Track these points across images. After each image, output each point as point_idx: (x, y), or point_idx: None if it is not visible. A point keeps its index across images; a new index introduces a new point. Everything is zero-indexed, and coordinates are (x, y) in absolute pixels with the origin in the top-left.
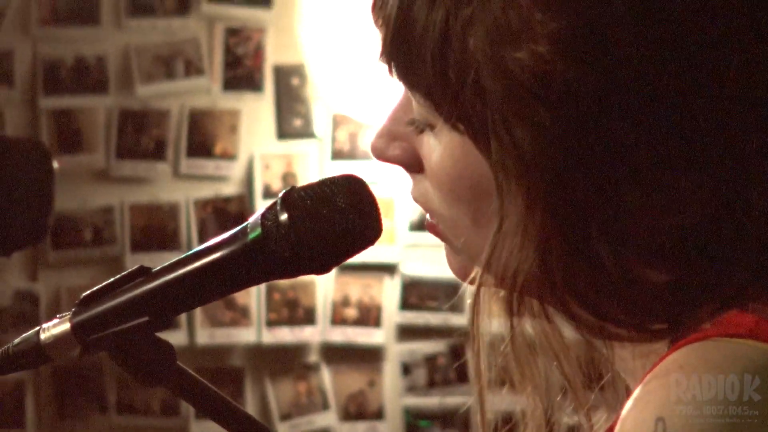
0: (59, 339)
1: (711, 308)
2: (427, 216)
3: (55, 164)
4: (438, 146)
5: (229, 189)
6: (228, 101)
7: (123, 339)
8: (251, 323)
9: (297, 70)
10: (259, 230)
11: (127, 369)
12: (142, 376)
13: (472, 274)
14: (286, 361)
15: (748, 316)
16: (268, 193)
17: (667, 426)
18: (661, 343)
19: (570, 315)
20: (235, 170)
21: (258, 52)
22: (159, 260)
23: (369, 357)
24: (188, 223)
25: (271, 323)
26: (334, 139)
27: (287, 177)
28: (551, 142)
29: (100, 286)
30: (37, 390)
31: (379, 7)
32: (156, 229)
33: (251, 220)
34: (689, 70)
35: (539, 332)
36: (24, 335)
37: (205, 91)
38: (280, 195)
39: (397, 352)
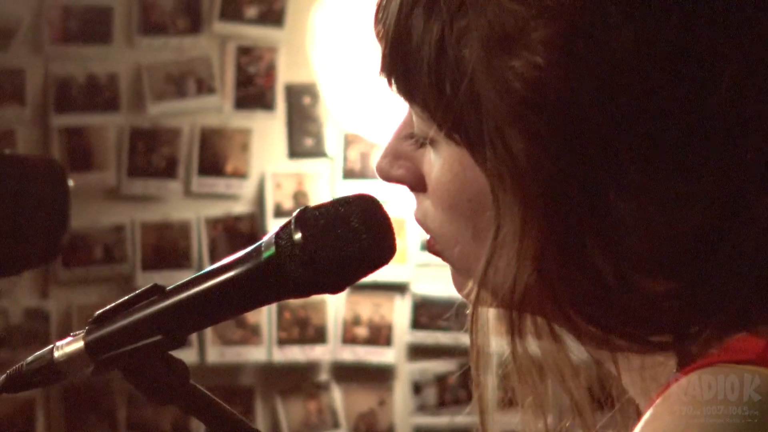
0: (73, 357)
1: (717, 328)
2: (428, 236)
3: (71, 183)
4: (438, 161)
5: (240, 208)
6: (239, 120)
7: (136, 358)
8: (262, 342)
9: (308, 90)
10: (273, 249)
11: (139, 388)
12: (154, 394)
13: (471, 291)
14: (297, 380)
15: (756, 341)
16: (279, 212)
17: None
18: (669, 365)
19: (572, 327)
20: (246, 189)
21: (270, 71)
22: (170, 279)
23: (379, 376)
24: (199, 241)
25: (282, 342)
26: (345, 159)
27: (298, 196)
28: (546, 151)
29: (113, 304)
30: (47, 408)
31: (379, 21)
32: (167, 247)
33: (265, 239)
34: (684, 76)
35: (544, 352)
36: (37, 353)
37: (217, 109)
38: (294, 214)
39: (407, 371)
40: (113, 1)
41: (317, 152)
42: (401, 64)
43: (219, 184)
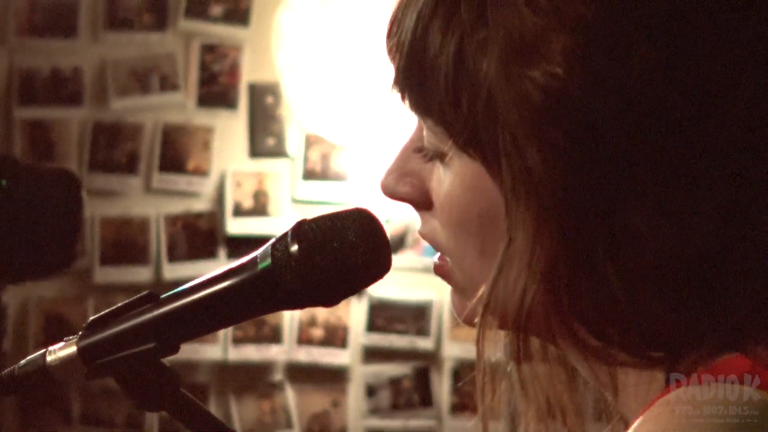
0: (65, 362)
1: (710, 346)
2: (435, 258)
3: (84, 194)
4: (448, 175)
5: (200, 205)
6: (202, 118)
7: (129, 364)
8: (217, 340)
9: (272, 89)
10: (269, 260)
11: (131, 395)
12: (146, 401)
13: (475, 311)
14: (251, 379)
15: (744, 361)
16: (238, 211)
17: None
18: (657, 384)
19: (575, 341)
20: (207, 187)
21: (233, 70)
22: (128, 274)
23: (334, 377)
24: (158, 238)
25: (237, 341)
26: (306, 159)
27: (258, 195)
28: (562, 163)
29: (107, 311)
30: (0, 401)
31: (393, 35)
32: (126, 243)
33: (261, 250)
34: (702, 94)
35: (544, 375)
36: (29, 357)
37: (180, 106)
38: (291, 227)
39: (361, 373)
40: None
41: (278, 152)
42: (417, 77)
43: (180, 181)
